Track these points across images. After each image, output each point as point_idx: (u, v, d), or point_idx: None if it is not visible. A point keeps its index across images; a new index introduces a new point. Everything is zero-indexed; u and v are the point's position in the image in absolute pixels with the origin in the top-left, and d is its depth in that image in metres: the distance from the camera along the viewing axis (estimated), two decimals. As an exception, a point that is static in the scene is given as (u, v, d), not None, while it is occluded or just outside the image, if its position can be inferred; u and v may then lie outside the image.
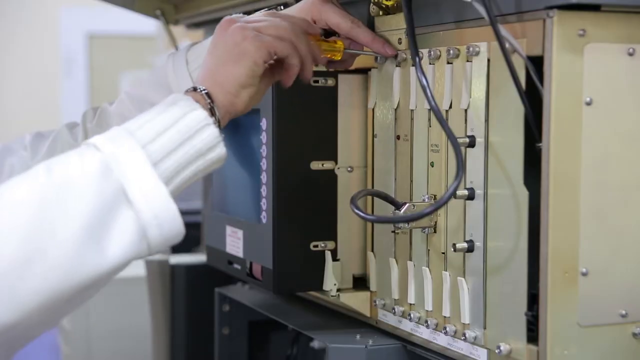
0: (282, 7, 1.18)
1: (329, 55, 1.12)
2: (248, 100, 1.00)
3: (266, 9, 1.19)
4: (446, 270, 1.05)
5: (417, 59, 1.03)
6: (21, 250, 0.84)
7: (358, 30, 1.13)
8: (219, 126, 0.97)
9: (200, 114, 0.95)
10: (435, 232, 1.06)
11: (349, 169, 1.20)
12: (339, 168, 1.20)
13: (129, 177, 0.88)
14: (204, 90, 0.97)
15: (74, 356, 2.32)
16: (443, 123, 0.98)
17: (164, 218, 0.90)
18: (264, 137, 1.19)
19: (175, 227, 0.91)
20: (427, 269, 1.08)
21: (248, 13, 1.24)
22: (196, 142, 0.94)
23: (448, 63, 1.03)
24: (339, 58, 1.13)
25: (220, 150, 0.96)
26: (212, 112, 0.97)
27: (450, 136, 0.97)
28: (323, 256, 1.19)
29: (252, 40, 0.99)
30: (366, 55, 1.15)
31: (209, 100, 0.97)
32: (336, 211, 1.20)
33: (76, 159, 0.89)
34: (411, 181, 1.11)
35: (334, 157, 1.19)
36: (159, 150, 0.91)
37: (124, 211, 0.88)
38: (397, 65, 1.12)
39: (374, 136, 1.18)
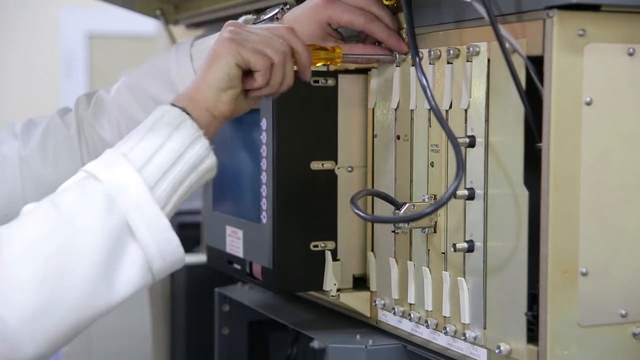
0: (285, 7, 1.17)
1: (328, 62, 1.11)
2: (231, 102, 0.99)
3: (269, 9, 1.19)
4: (446, 270, 1.05)
5: (417, 59, 1.03)
6: (39, 296, 0.88)
7: (372, 25, 1.11)
8: (206, 133, 0.97)
9: (190, 127, 0.96)
10: (435, 232, 1.06)
11: (349, 169, 1.20)
12: (339, 168, 1.20)
13: (131, 210, 0.91)
14: (181, 107, 0.97)
15: (74, 356, 2.32)
16: (443, 123, 0.98)
17: (167, 250, 0.93)
18: (264, 137, 1.19)
19: (177, 257, 0.95)
20: (427, 269, 1.08)
21: (248, 12, 1.24)
22: (189, 156, 0.95)
23: (448, 63, 1.03)
24: (339, 64, 1.12)
25: (211, 160, 0.97)
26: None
27: (450, 136, 0.97)
28: (323, 256, 1.19)
29: (228, 43, 0.99)
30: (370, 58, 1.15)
31: (187, 115, 0.97)
32: (336, 211, 1.19)
33: (79, 194, 0.92)
34: (411, 181, 1.11)
35: (334, 157, 1.19)
36: (154, 173, 0.93)
37: (130, 246, 0.91)
38: (397, 65, 1.12)
39: (374, 136, 1.18)
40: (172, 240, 0.93)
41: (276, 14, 1.16)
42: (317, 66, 1.12)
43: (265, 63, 1.00)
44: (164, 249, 0.93)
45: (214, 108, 0.98)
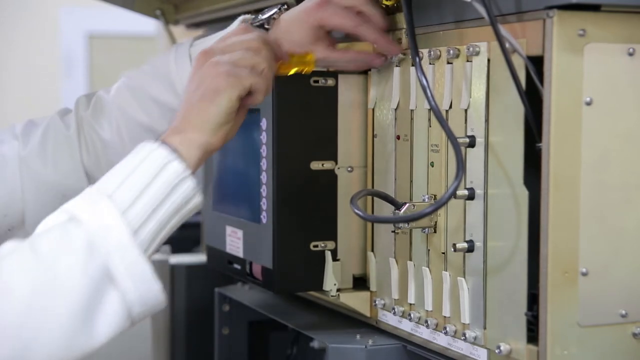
0: (283, 7, 1.17)
1: (300, 69, 1.10)
2: (224, 136, 0.98)
3: (267, 8, 1.19)
4: (446, 270, 1.05)
5: (417, 59, 1.03)
6: (16, 340, 0.85)
7: (362, 28, 1.11)
8: (194, 169, 0.96)
9: (177, 167, 0.93)
10: (435, 232, 1.06)
11: (349, 169, 1.20)
12: (339, 168, 1.20)
13: (113, 255, 0.89)
14: (171, 145, 0.94)
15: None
16: (443, 123, 0.98)
17: (147, 295, 0.91)
18: (263, 137, 1.19)
19: (157, 302, 0.92)
20: (427, 269, 1.08)
21: (248, 12, 1.24)
22: (175, 197, 0.93)
23: (448, 63, 1.03)
24: (311, 70, 1.11)
25: (197, 199, 0.95)
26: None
27: (450, 136, 0.97)
28: (323, 256, 1.19)
29: (225, 76, 0.97)
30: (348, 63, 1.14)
31: (175, 155, 0.94)
32: (336, 211, 1.19)
33: (60, 237, 0.89)
34: (411, 181, 1.11)
35: (334, 157, 1.19)
36: (139, 215, 0.91)
37: (110, 292, 0.89)
38: (396, 65, 1.12)
39: (374, 136, 1.18)
40: (153, 285, 0.91)
41: (274, 14, 1.16)
42: (290, 73, 1.11)
43: (266, 83, 1.00)
44: (144, 294, 0.90)
45: (208, 144, 0.97)
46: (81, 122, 1.25)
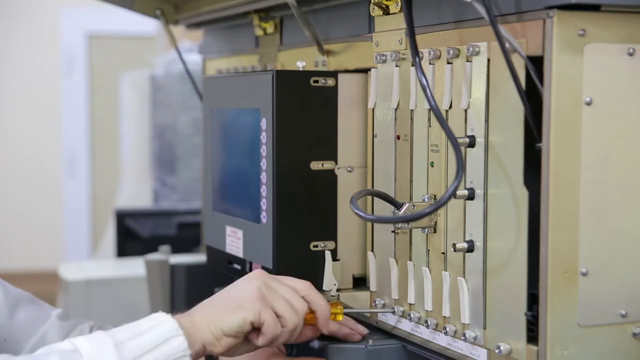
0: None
1: (332, 317, 1.13)
2: (227, 348, 1.04)
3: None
4: (446, 270, 1.05)
5: (417, 59, 1.03)
6: None
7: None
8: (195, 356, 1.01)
9: (181, 343, 0.99)
10: (435, 232, 1.06)
11: (349, 169, 1.20)
12: (339, 168, 1.20)
13: None
14: (181, 325, 1.01)
15: None
16: (443, 123, 0.98)
17: None
18: (263, 137, 1.19)
19: None
20: (427, 269, 1.08)
21: (248, 12, 1.24)
22: None
23: (448, 63, 1.03)
24: (341, 318, 1.14)
25: None
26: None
27: (450, 136, 0.97)
28: (323, 256, 1.19)
29: (255, 299, 1.03)
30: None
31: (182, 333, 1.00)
32: (336, 211, 1.20)
33: None
34: (411, 181, 1.11)
35: (334, 157, 1.19)
36: None
37: None
38: (397, 65, 1.12)
39: (374, 136, 1.18)
40: None
41: None
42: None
43: (275, 331, 1.05)
44: None
45: (210, 344, 1.04)
46: None
